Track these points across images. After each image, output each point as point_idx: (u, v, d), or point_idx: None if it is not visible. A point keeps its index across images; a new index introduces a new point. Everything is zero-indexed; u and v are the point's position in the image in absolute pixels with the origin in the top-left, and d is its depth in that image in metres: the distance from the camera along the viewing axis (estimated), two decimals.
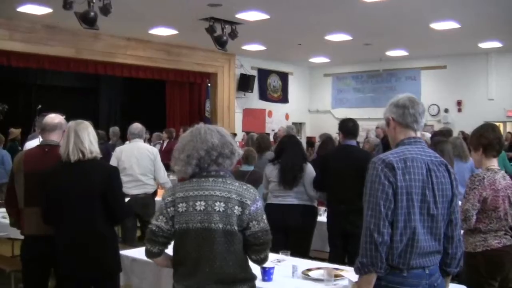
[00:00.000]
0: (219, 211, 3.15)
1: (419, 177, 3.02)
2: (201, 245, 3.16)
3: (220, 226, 3.14)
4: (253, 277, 3.35)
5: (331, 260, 5.94)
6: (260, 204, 3.27)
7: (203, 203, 3.17)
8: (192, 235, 3.17)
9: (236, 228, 3.16)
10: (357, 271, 3.01)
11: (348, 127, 6.44)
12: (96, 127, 4.51)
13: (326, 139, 8.79)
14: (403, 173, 2.98)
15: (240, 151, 3.44)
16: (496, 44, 16.65)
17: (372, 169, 3.03)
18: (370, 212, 2.97)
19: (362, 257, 2.96)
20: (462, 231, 4.50)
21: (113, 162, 7.31)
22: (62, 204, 4.23)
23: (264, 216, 3.28)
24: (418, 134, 3.22)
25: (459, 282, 4.40)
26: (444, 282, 3.22)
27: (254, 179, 6.76)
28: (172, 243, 3.32)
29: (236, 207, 3.16)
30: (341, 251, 6.24)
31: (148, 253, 3.33)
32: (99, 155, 4.37)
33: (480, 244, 4.42)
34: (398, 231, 2.95)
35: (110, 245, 4.41)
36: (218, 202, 3.16)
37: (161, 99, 19.33)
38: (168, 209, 3.22)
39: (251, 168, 7.31)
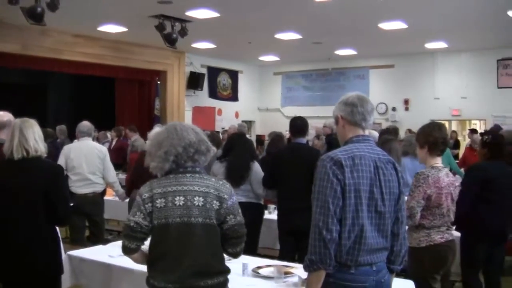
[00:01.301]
0: (198, 205, 3.22)
1: (367, 174, 3.05)
2: (181, 239, 3.21)
3: (200, 220, 3.21)
4: (228, 270, 3.42)
5: (281, 257, 5.97)
6: (235, 198, 3.37)
7: (182, 198, 3.22)
8: (172, 230, 3.21)
9: (215, 222, 3.25)
10: (306, 268, 3.03)
11: (297, 125, 6.47)
12: (44, 125, 4.42)
13: (276, 137, 8.80)
14: (351, 170, 3.00)
15: (214, 149, 3.51)
16: (442, 45, 17.00)
17: (321, 167, 3.05)
18: (319, 209, 2.98)
19: (311, 254, 2.97)
20: (406, 227, 4.62)
21: (61, 160, 7.21)
22: (3, 202, 4.12)
23: (240, 210, 3.38)
24: (367, 132, 3.25)
25: (406, 277, 4.49)
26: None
27: None
28: (149, 239, 3.34)
29: (215, 202, 3.25)
30: (291, 248, 6.27)
31: (126, 249, 3.33)
32: (44, 154, 4.29)
33: (424, 239, 4.53)
34: (346, 228, 2.97)
35: (51, 247, 4.29)
36: (197, 197, 3.23)
37: (110, 97, 19.12)
38: (146, 205, 3.24)
39: None
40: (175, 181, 3.28)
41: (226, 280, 3.38)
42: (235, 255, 3.50)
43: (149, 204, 3.23)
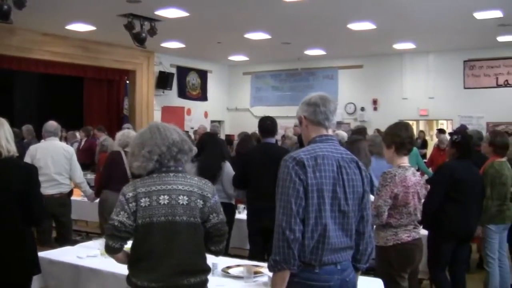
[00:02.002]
0: (182, 204, 3.25)
1: (329, 174, 3.06)
2: (166, 238, 3.22)
3: (184, 218, 3.24)
4: (210, 268, 3.46)
5: (251, 257, 5.98)
6: (217, 197, 3.42)
7: (166, 197, 3.25)
8: (156, 229, 3.22)
9: (199, 220, 3.29)
10: (271, 268, 3.05)
11: (267, 125, 6.49)
12: (11, 125, 4.34)
13: (245, 137, 8.82)
14: (313, 170, 3.02)
15: (195, 148, 3.57)
16: (410, 46, 17.18)
17: (283, 167, 3.07)
18: (282, 210, 3.00)
19: (275, 254, 2.99)
20: (374, 226, 4.66)
21: (27, 160, 7.11)
22: None
23: (221, 209, 3.43)
24: (330, 131, 3.26)
25: (375, 276, 4.53)
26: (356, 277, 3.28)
27: None
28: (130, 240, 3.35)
29: (199, 200, 3.29)
30: (261, 248, 6.28)
31: (110, 249, 3.32)
32: (16, 154, 4.24)
33: (391, 238, 4.56)
34: (309, 228, 2.99)
35: (28, 247, 4.26)
36: (181, 196, 3.26)
37: (78, 97, 18.92)
38: (130, 205, 3.24)
39: None
40: (159, 181, 3.30)
41: (207, 280, 3.41)
42: (217, 253, 3.55)
43: (133, 204, 3.23)
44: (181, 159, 3.41)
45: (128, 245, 3.38)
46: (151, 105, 18.66)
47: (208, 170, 6.36)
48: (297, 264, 2.98)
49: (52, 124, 7.56)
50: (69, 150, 7.59)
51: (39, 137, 10.38)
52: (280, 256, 2.96)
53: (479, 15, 12.57)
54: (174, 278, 3.22)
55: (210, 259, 4.42)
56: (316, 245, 3.00)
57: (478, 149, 7.35)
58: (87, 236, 9.26)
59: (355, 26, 13.89)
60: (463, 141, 5.76)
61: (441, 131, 14.26)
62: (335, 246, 3.05)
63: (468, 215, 5.59)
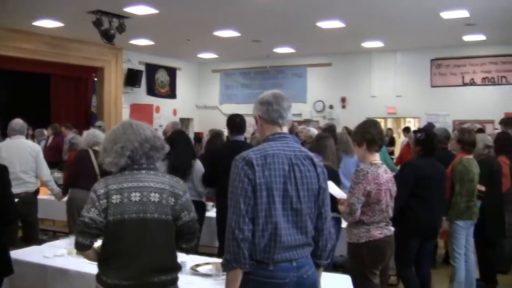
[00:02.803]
0: (154, 201, 3.24)
1: (280, 172, 3.07)
2: (137, 235, 3.21)
3: (156, 216, 3.24)
4: (180, 266, 3.46)
5: (219, 255, 5.97)
6: (189, 195, 3.42)
7: (138, 194, 3.23)
8: (127, 226, 3.20)
9: (170, 218, 3.28)
10: (223, 267, 3.09)
11: (236, 123, 6.50)
12: None
13: (214, 134, 8.80)
14: (262, 169, 3.03)
15: (167, 146, 3.57)
16: (378, 44, 17.31)
17: (234, 167, 3.09)
18: (232, 209, 3.03)
19: (226, 253, 3.01)
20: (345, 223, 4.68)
21: None
22: None
23: (193, 207, 3.42)
24: (285, 129, 3.26)
25: (344, 272, 4.56)
26: (317, 273, 3.28)
27: None
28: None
29: (170, 198, 3.29)
30: None
31: (79, 246, 3.29)
32: None
33: (363, 235, 4.59)
34: (259, 227, 3.00)
35: (2, 247, 4.21)
36: (153, 193, 3.25)
37: (45, 94, 18.68)
38: (101, 201, 3.22)
39: None
40: (130, 177, 3.29)
41: (177, 277, 3.41)
42: (188, 251, 3.58)
43: (104, 200, 3.21)
44: (153, 156, 3.41)
45: (99, 243, 3.36)
46: (119, 102, 18.53)
47: (179, 168, 6.34)
48: (248, 263, 3.00)
49: (18, 122, 7.47)
50: (35, 148, 7.50)
51: (4, 135, 10.24)
52: (231, 256, 2.98)
53: (446, 15, 12.73)
54: (145, 276, 3.20)
55: (179, 257, 4.44)
56: (268, 243, 3.01)
57: (444, 146, 7.45)
58: (54, 235, 9.16)
59: (324, 24, 13.96)
60: (427, 139, 5.83)
61: (407, 130, 14.39)
62: (288, 243, 3.05)
63: (433, 211, 5.67)
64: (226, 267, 3.04)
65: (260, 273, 3.03)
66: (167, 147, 3.54)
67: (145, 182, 3.28)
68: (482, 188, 6.33)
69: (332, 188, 5.09)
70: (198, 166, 6.58)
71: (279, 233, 3.01)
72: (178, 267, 3.42)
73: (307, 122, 18.31)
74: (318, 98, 20.00)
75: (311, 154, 3.28)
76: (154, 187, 3.28)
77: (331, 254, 3.35)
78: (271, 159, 3.07)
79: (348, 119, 17.50)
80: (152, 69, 20.18)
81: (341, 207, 4.78)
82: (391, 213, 4.74)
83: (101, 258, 3.33)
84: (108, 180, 3.30)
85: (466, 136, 6.32)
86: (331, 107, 19.82)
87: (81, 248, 3.31)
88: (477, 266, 6.77)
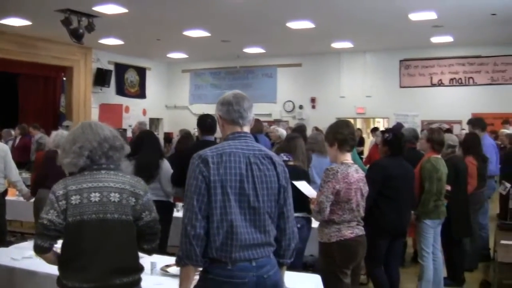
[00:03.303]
0: (114, 201, 3.19)
1: (236, 171, 3.07)
2: (97, 236, 3.15)
3: (116, 216, 3.19)
4: (143, 268, 3.39)
5: None
6: (150, 195, 3.40)
7: (98, 194, 3.18)
8: (87, 227, 3.14)
9: (131, 218, 3.24)
10: (176, 263, 3.10)
11: (206, 123, 6.48)
12: None
13: (185, 134, 8.79)
14: (218, 167, 3.04)
15: (128, 146, 3.50)
16: (347, 45, 17.44)
17: (190, 165, 3.10)
18: (186, 206, 3.05)
19: (179, 250, 3.03)
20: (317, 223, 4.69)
21: None
22: None
23: (154, 207, 3.40)
24: (245, 129, 3.27)
25: (314, 272, 4.58)
26: (280, 273, 3.28)
27: None
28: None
29: (131, 198, 3.24)
30: None
31: (38, 248, 3.23)
32: None
33: (334, 234, 4.61)
34: (214, 224, 3.01)
35: None
36: (113, 193, 3.21)
37: (13, 94, 18.46)
38: (60, 203, 3.16)
39: None
40: (90, 178, 3.23)
41: (140, 279, 3.36)
42: (150, 252, 3.50)
43: (63, 202, 3.15)
44: (113, 156, 3.35)
45: (59, 245, 3.30)
46: (88, 102, 18.38)
47: (146, 168, 6.31)
48: (200, 260, 3.01)
49: None
50: (4, 148, 7.41)
51: None
52: (183, 252, 2.99)
53: (414, 16, 12.88)
54: (106, 278, 3.15)
55: (149, 258, 4.42)
56: (225, 241, 3.01)
57: (412, 146, 7.53)
58: (22, 237, 9.05)
59: (294, 25, 14.02)
60: (394, 139, 5.89)
61: (375, 130, 14.51)
62: (246, 242, 3.04)
63: (401, 210, 5.73)
64: (179, 263, 3.05)
65: (219, 272, 3.03)
66: (127, 148, 3.48)
67: (104, 182, 3.24)
68: (449, 188, 6.41)
69: (305, 187, 5.12)
70: (166, 167, 6.55)
71: (236, 231, 3.01)
72: (140, 268, 3.36)
73: (277, 122, 18.35)
74: (288, 98, 20.08)
75: (271, 153, 3.29)
76: (114, 187, 3.24)
77: (294, 253, 3.34)
78: (227, 157, 3.08)
79: (317, 119, 17.63)
80: (121, 68, 20.07)
81: (312, 206, 4.81)
82: (362, 212, 4.77)
83: (61, 260, 3.27)
84: (67, 181, 3.25)
85: (436, 135, 6.40)
86: (301, 107, 19.91)
87: (40, 251, 3.25)
88: (445, 264, 6.85)
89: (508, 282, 6.70)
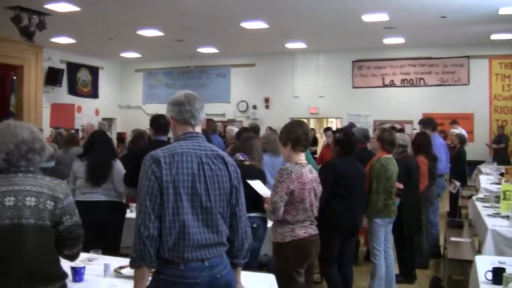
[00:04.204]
0: (30, 206, 3.01)
1: (188, 171, 3.07)
2: (11, 242, 2.97)
3: (32, 221, 3.00)
4: (65, 275, 3.24)
5: None
6: (71, 198, 3.23)
7: (12, 198, 3.00)
8: (1, 233, 2.96)
9: (48, 223, 3.06)
10: (130, 265, 3.07)
11: (160, 123, 6.45)
12: None
13: (138, 134, 8.71)
14: (170, 167, 3.03)
15: (50, 148, 3.37)
16: (301, 45, 17.56)
17: (143, 165, 3.09)
18: (139, 207, 3.03)
19: (133, 251, 3.00)
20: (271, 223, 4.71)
21: None
22: None
23: (76, 210, 3.24)
24: (197, 129, 3.27)
25: (269, 271, 4.59)
26: (234, 273, 3.28)
27: (55, 176, 6.56)
28: None
29: (49, 202, 3.07)
30: None
31: None
32: None
33: (288, 234, 4.63)
34: (166, 224, 3.00)
35: None
36: (29, 197, 3.02)
37: None
38: None
39: (51, 164, 7.07)
40: (6, 181, 3.06)
41: (64, 286, 3.21)
42: (71, 258, 3.33)
43: None
44: (33, 159, 3.20)
45: None
46: (39, 102, 18.04)
47: (98, 168, 6.26)
48: (154, 261, 2.99)
49: None
50: None
51: None
52: (137, 253, 2.97)
53: (367, 18, 13.04)
54: (21, 287, 2.98)
55: (103, 260, 4.37)
56: (177, 241, 3.00)
57: (363, 146, 7.62)
58: None
59: (248, 25, 14.04)
60: (345, 138, 5.96)
61: (327, 130, 14.65)
62: (198, 242, 3.04)
63: (353, 209, 5.79)
64: (133, 264, 3.02)
65: (170, 272, 3.02)
66: (49, 149, 3.33)
67: (21, 185, 3.06)
68: (401, 186, 6.50)
69: (260, 187, 5.13)
70: (118, 167, 6.48)
71: (188, 231, 3.01)
72: (61, 276, 3.20)
73: (230, 122, 18.37)
74: (241, 98, 20.12)
75: (223, 153, 3.30)
76: (31, 191, 3.06)
77: (248, 254, 3.35)
78: (179, 157, 3.08)
79: (271, 119, 17.73)
80: (73, 68, 19.80)
81: (266, 206, 4.82)
82: (316, 212, 4.80)
83: None
84: None
85: (386, 134, 6.48)
86: (254, 107, 19.97)
87: None
88: (396, 262, 6.95)
89: (457, 277, 6.88)
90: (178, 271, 3.01)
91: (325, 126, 18.88)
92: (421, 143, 7.92)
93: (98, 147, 6.43)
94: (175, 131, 3.30)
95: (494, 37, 15.75)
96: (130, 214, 6.92)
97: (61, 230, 3.14)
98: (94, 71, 20.89)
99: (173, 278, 3.01)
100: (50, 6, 11.96)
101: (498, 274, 3.97)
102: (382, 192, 6.26)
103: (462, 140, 11.49)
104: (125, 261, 4.66)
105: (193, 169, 3.09)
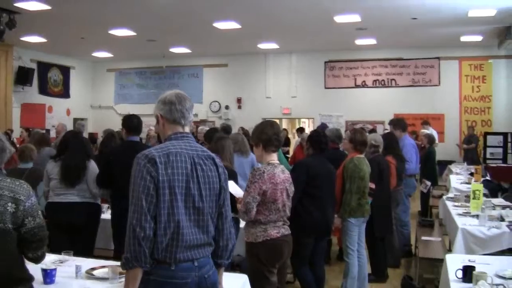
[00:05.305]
0: None
1: (182, 171, 3.05)
2: None
3: None
4: (30, 278, 3.21)
5: (116, 257, 5.88)
6: (34, 199, 3.17)
7: None
8: None
9: (10, 226, 3.02)
10: (123, 266, 2.98)
11: (133, 123, 6.41)
12: None
13: (109, 135, 8.65)
14: (165, 167, 3.00)
15: (12, 149, 3.32)
16: (273, 46, 17.61)
17: (136, 164, 3.04)
18: (133, 207, 2.96)
19: (126, 252, 2.93)
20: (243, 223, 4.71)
21: None
22: None
23: (40, 212, 3.19)
24: (187, 129, 3.27)
25: (242, 271, 4.59)
26: (217, 273, 3.29)
27: (34, 177, 6.50)
28: None
29: (10, 204, 3.02)
30: None
31: None
32: None
33: (260, 234, 4.63)
34: (161, 225, 2.96)
35: None
36: None
37: None
38: None
39: (29, 165, 7.01)
40: None
41: None
42: (37, 260, 3.29)
43: None
44: None
45: None
46: (9, 102, 17.83)
47: (72, 169, 6.20)
48: (149, 262, 2.95)
49: None
50: None
51: None
52: (131, 254, 2.91)
53: (339, 19, 13.12)
54: None
55: (75, 261, 4.33)
56: (170, 242, 2.99)
57: (335, 146, 7.66)
58: None
59: (220, 25, 14.04)
60: (317, 139, 6.00)
61: (300, 130, 14.71)
62: (190, 243, 3.04)
63: (325, 209, 5.83)
64: (126, 266, 2.95)
65: (161, 273, 2.99)
66: (10, 150, 3.29)
67: None
68: (373, 186, 6.55)
69: (233, 187, 5.13)
70: (93, 167, 6.43)
71: (181, 231, 2.99)
72: (26, 279, 3.17)
73: (203, 122, 18.34)
74: (214, 98, 20.12)
75: (213, 154, 3.30)
76: None
77: (231, 254, 3.37)
78: (174, 157, 3.05)
79: (243, 120, 17.76)
80: (44, 67, 19.60)
81: (238, 206, 4.82)
82: (288, 212, 4.82)
83: None
84: None
85: (358, 136, 6.52)
86: (227, 107, 19.98)
87: None
88: (369, 261, 7.00)
89: (428, 276, 6.96)
90: (168, 271, 3.00)
91: (297, 126, 18.98)
92: (388, 143, 7.98)
93: (72, 147, 6.36)
94: (164, 130, 3.25)
95: (464, 38, 15.97)
96: (104, 215, 6.88)
97: (24, 232, 3.10)
98: (65, 71, 20.70)
99: (164, 278, 2.99)
100: (20, 5, 11.83)
101: (468, 272, 4.02)
102: (356, 192, 6.29)
103: (431, 140, 11.60)
104: (98, 262, 4.64)
105: (187, 169, 3.07)
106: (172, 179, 3.00)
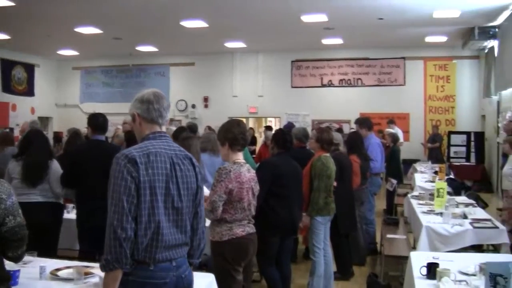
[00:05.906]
0: None
1: (162, 171, 3.04)
2: None
3: None
4: (9, 277, 3.22)
5: (81, 258, 5.83)
6: (14, 198, 3.17)
7: None
8: None
9: None
10: (103, 268, 2.95)
11: (98, 121, 6.35)
12: None
13: (73, 134, 8.55)
14: (146, 167, 2.98)
15: None
16: (240, 45, 17.61)
17: (115, 165, 2.99)
18: (114, 208, 2.92)
19: (106, 254, 2.90)
20: (209, 222, 4.71)
21: None
22: None
23: (20, 211, 3.18)
24: (164, 128, 3.25)
25: (208, 271, 4.59)
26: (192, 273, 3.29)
27: None
28: None
29: None
30: (92, 248, 6.13)
31: None
32: None
33: (226, 233, 4.64)
34: (142, 225, 2.94)
35: None
36: None
37: None
38: None
39: None
40: None
41: None
42: (16, 259, 3.28)
43: None
44: None
45: None
46: None
47: (35, 168, 6.12)
48: (129, 263, 2.93)
49: None
50: None
51: None
52: (112, 256, 2.87)
53: (306, 18, 13.18)
54: None
55: (38, 262, 4.28)
56: (150, 242, 2.97)
57: (302, 145, 7.69)
58: None
59: (187, 23, 14.01)
60: (283, 137, 6.02)
61: (268, 128, 14.75)
62: (169, 243, 3.03)
63: (291, 208, 5.85)
64: (106, 267, 2.90)
65: (140, 273, 2.98)
66: None
67: None
68: (335, 184, 6.60)
69: None
70: (55, 167, 6.36)
71: (161, 232, 2.98)
72: (5, 278, 3.17)
73: (169, 121, 18.24)
74: (180, 97, 20.06)
75: (190, 154, 3.29)
76: None
77: (202, 253, 3.38)
78: (154, 157, 3.03)
79: (210, 119, 17.72)
80: (8, 65, 19.33)
81: (204, 205, 4.82)
82: (253, 211, 4.83)
83: None
84: None
85: (325, 135, 6.56)
86: (193, 106, 19.95)
87: None
88: (334, 259, 7.05)
89: (393, 273, 7.04)
90: (148, 271, 2.98)
91: (264, 125, 19.03)
92: (353, 142, 8.06)
93: (34, 146, 6.28)
94: (141, 129, 3.21)
95: (428, 39, 16.19)
96: (69, 215, 6.81)
97: (5, 231, 3.08)
98: (29, 69, 20.41)
99: (143, 279, 2.97)
100: None
101: (432, 269, 4.09)
102: (323, 190, 6.33)
103: (395, 139, 11.74)
104: (62, 263, 4.59)
105: (166, 169, 3.06)
106: (153, 180, 2.99)
